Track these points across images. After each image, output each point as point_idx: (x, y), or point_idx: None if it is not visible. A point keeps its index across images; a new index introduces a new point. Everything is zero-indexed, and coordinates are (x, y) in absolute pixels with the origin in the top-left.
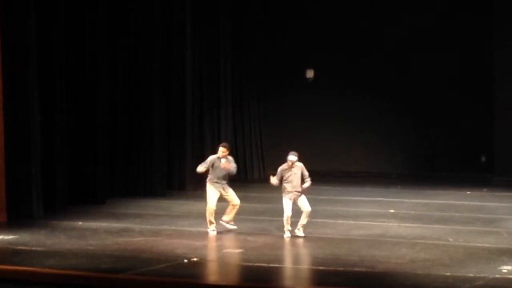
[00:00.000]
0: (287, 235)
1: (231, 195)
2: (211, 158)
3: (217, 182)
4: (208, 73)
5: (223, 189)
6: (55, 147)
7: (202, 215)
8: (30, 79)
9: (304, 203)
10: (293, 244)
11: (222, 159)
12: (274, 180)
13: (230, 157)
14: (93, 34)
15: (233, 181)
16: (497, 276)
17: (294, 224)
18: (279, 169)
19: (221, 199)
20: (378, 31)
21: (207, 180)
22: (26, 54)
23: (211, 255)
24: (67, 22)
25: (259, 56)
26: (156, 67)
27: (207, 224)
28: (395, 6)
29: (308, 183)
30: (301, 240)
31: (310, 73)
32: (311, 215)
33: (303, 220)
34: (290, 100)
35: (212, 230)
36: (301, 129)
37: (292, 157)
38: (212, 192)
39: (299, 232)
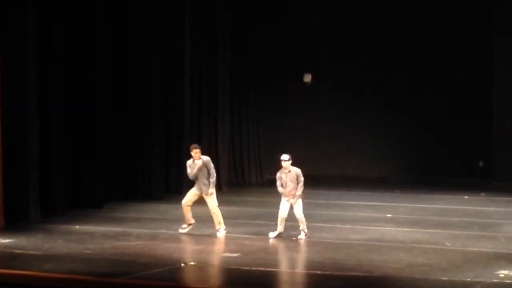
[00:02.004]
0: (272, 235)
1: (209, 200)
2: (188, 163)
3: (197, 185)
4: (206, 77)
5: (203, 191)
6: (53, 151)
7: (199, 219)
8: (28, 82)
9: (296, 209)
10: (291, 248)
11: (197, 161)
12: (279, 189)
13: (205, 157)
14: (92, 35)
15: (231, 185)
16: (494, 280)
17: (291, 228)
18: (277, 175)
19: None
20: (377, 36)
21: None
22: (25, 56)
23: (208, 259)
24: (66, 21)
25: (257, 59)
26: (155, 71)
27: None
28: (394, 10)
29: (299, 191)
30: (298, 244)
31: (307, 78)
32: (308, 219)
33: (300, 225)
34: (288, 104)
35: (182, 228)
36: (299, 133)
37: (282, 156)
38: (191, 190)
39: (300, 235)
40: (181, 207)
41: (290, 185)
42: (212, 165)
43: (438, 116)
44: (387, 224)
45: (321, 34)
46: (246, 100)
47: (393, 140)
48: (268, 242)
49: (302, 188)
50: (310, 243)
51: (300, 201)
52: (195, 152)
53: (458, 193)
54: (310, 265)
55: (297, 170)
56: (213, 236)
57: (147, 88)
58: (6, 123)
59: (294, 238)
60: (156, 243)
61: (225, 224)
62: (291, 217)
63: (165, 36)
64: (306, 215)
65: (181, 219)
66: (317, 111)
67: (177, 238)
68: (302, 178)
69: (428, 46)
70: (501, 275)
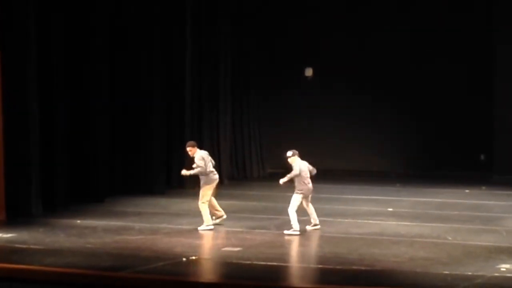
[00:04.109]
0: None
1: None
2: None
3: None
4: (208, 72)
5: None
6: (54, 145)
7: (200, 214)
8: (29, 78)
9: None
10: (292, 242)
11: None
12: None
13: (197, 154)
14: (93, 32)
15: (232, 179)
16: (495, 274)
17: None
18: None
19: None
20: (378, 30)
21: None
22: (26, 53)
23: (210, 253)
24: (67, 20)
25: (258, 54)
26: (155, 65)
27: None
28: (394, 5)
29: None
30: (299, 239)
31: (309, 72)
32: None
33: None
34: (289, 98)
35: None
36: (300, 127)
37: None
38: None
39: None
40: (183, 202)
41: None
42: (196, 159)
43: (439, 110)
44: (388, 218)
45: (322, 29)
46: (248, 94)
47: (394, 134)
48: (269, 236)
49: (288, 177)
50: (311, 237)
51: (293, 197)
52: (188, 150)
53: (459, 187)
54: (311, 259)
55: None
56: (214, 230)
57: (148, 83)
58: (7, 118)
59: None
60: (158, 237)
61: (228, 217)
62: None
63: (166, 31)
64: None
65: (182, 213)
66: (318, 105)
67: (178, 232)
68: (293, 170)
69: (428, 39)
70: (502, 269)
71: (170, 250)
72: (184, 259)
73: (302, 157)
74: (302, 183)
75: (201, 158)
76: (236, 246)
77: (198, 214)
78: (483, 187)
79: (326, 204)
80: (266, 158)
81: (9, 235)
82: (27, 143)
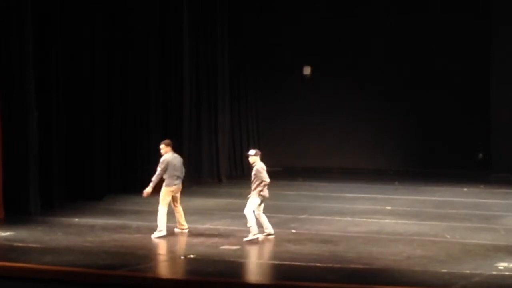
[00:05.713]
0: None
1: None
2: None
3: None
4: (205, 70)
5: None
6: (52, 144)
7: (198, 212)
8: (27, 76)
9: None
10: (290, 241)
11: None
12: None
13: (165, 155)
14: (90, 30)
15: (230, 177)
16: (493, 272)
17: (291, 220)
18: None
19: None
20: (376, 28)
21: None
22: (23, 51)
23: (208, 251)
24: (64, 18)
25: (256, 52)
26: (153, 63)
27: None
28: (393, 3)
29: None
30: (297, 237)
31: (307, 70)
32: (308, 211)
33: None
34: (287, 96)
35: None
36: (298, 125)
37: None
38: None
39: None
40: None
41: (253, 181)
42: (160, 163)
43: (437, 108)
44: (386, 217)
45: (320, 26)
46: (246, 92)
47: (392, 133)
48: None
49: (257, 184)
50: (309, 235)
51: (251, 199)
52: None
53: (457, 185)
54: (309, 257)
55: (257, 167)
56: (212, 229)
57: (146, 81)
58: (6, 117)
59: (293, 231)
60: None
61: (226, 216)
62: (289, 210)
63: (163, 27)
64: (305, 208)
65: None
66: (316, 104)
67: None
68: (260, 175)
69: (427, 37)
70: (500, 267)
71: (168, 248)
72: (182, 257)
73: (301, 155)
74: (264, 186)
75: (162, 161)
76: (234, 245)
77: (196, 212)
78: (481, 186)
79: (324, 203)
80: (263, 157)
81: (7, 233)
82: (25, 142)
